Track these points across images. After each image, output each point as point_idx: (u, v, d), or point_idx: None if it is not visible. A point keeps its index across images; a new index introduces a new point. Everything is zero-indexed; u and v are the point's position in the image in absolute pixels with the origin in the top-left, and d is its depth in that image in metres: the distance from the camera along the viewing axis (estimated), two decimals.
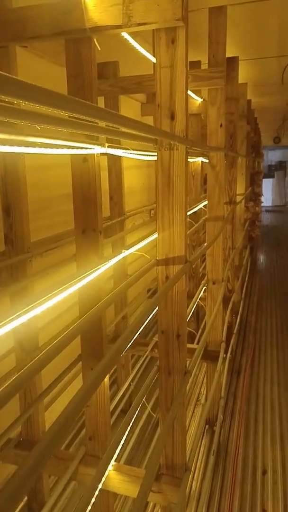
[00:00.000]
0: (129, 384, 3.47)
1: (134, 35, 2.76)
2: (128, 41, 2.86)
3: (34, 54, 2.38)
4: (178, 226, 1.64)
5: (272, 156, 16.69)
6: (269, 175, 15.92)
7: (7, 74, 0.56)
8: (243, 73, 4.30)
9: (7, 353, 2.07)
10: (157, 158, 1.60)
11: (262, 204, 10.88)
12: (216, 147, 2.62)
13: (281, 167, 16.90)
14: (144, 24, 1.43)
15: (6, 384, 0.75)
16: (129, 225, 3.61)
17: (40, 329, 2.04)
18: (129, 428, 1.70)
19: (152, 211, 4.44)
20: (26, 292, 1.80)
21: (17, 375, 0.80)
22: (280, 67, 4.62)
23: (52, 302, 1.34)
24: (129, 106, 3.57)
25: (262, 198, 10.31)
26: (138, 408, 1.93)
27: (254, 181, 7.26)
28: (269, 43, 4.00)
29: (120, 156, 2.97)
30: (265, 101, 7.02)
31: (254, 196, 7.62)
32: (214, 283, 3.01)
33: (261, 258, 9.16)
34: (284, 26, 3.56)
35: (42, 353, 0.84)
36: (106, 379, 1.94)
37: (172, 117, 1.53)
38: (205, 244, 2.94)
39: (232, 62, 3.39)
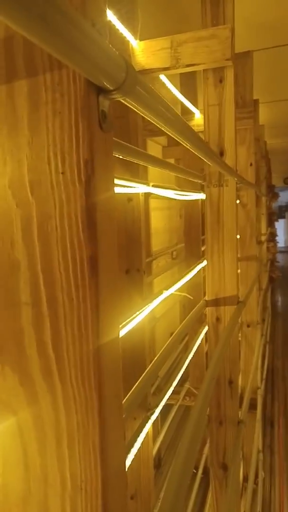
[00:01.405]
0: (159, 436, 3.27)
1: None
2: (153, 82, 2.94)
3: None
4: (229, 264, 1.58)
5: (282, 197, 16.81)
6: (280, 215, 15.97)
7: None
8: (260, 116, 4.39)
9: None
10: (206, 195, 1.57)
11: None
12: (253, 184, 2.61)
13: None
14: (193, 65, 1.44)
15: None
16: (153, 266, 3.56)
17: None
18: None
19: (174, 253, 4.40)
20: None
21: None
22: None
23: None
24: (152, 149, 3.63)
25: (277, 239, 10.28)
26: (193, 467, 1.78)
27: (270, 222, 7.26)
28: (286, 87, 4.10)
29: (148, 198, 2.97)
30: (277, 143, 7.15)
31: (270, 236, 7.59)
32: (248, 326, 2.90)
33: (281, 299, 8.98)
34: None
35: None
36: (150, 429, 1.81)
37: (222, 153, 1.51)
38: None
39: (254, 104, 3.46)
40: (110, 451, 0.40)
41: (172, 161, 4.16)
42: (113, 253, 0.37)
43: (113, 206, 0.38)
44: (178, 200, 3.73)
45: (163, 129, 0.56)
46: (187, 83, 2.72)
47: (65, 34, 0.24)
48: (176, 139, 0.66)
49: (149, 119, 0.49)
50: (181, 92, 2.74)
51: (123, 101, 0.39)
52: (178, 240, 4.72)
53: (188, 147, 0.78)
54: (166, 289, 2.07)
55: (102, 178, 0.34)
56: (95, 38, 0.27)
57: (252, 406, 2.84)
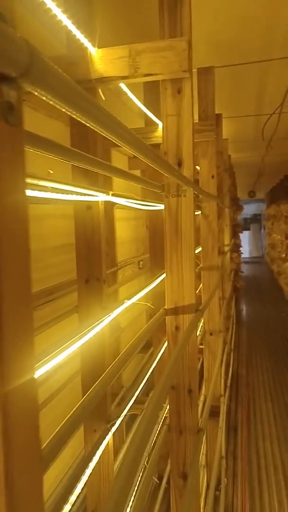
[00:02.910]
0: (123, 447, 3.22)
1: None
2: (117, 94, 2.96)
3: (30, 108, 2.40)
4: (187, 274, 1.58)
5: (247, 209, 17.22)
6: (245, 227, 16.37)
7: None
8: (224, 130, 4.50)
9: None
10: (165, 205, 1.58)
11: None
12: (213, 195, 2.65)
13: (256, 220, 17.46)
14: (151, 75, 1.45)
15: None
16: (119, 276, 3.54)
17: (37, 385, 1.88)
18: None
19: (141, 262, 4.40)
20: None
21: None
22: (258, 125, 4.87)
23: (53, 363, 1.24)
24: (118, 159, 3.63)
25: (241, 250, 10.49)
26: (151, 478, 1.76)
27: (235, 233, 7.41)
28: (248, 102, 4.23)
29: (113, 207, 2.97)
30: (242, 157, 7.34)
31: (235, 247, 7.74)
32: (211, 334, 2.92)
33: (245, 308, 9.15)
34: (262, 87, 3.79)
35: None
36: (111, 441, 1.78)
37: (179, 163, 1.52)
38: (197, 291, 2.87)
39: (217, 118, 3.54)
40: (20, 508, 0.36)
41: (137, 172, 4.18)
42: (24, 267, 0.34)
43: (25, 210, 0.34)
44: (145, 210, 3.74)
45: (92, 128, 0.55)
46: (151, 93, 2.74)
47: None
48: (113, 141, 0.65)
49: (74, 116, 0.47)
50: (145, 103, 2.77)
51: (37, 94, 0.37)
52: (144, 250, 4.73)
53: (127, 149, 0.77)
54: (128, 299, 2.06)
55: (8, 178, 0.32)
56: None
57: (215, 413, 2.86)
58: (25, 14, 1.96)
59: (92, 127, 0.58)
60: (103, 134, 0.63)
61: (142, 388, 3.03)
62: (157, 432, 2.41)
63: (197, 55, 2.92)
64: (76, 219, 1.63)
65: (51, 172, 1.23)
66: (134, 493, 1.68)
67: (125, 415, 2.52)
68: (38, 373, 1.19)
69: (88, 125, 0.55)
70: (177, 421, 1.66)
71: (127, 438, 3.25)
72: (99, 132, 0.61)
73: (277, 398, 4.73)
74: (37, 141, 0.69)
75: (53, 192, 1.22)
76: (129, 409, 3.08)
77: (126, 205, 2.11)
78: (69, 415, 1.00)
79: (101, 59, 1.48)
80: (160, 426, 2.44)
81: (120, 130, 0.67)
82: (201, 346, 3.15)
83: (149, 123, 2.81)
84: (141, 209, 4.19)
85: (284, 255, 9.98)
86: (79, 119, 0.50)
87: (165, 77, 1.45)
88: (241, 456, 3.55)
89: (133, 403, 3.09)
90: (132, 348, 1.47)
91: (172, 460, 1.69)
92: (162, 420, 2.44)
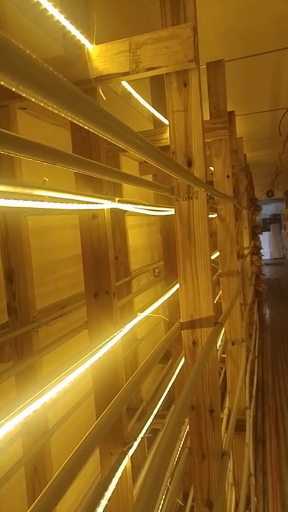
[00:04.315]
0: (145, 464, 3.07)
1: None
2: (125, 98, 2.85)
3: (32, 116, 2.32)
4: (203, 282, 1.45)
5: (266, 210, 16.87)
6: (264, 228, 16.03)
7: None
8: (238, 128, 4.35)
9: (13, 438, 1.77)
10: (175, 209, 1.45)
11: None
12: (229, 196, 2.51)
13: (276, 220, 17.09)
14: (154, 69, 1.33)
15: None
16: (134, 285, 3.42)
17: (49, 406, 1.77)
18: None
19: (156, 270, 4.27)
20: (34, 371, 1.56)
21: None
22: (274, 121, 4.70)
23: (64, 384, 1.15)
24: (128, 165, 3.52)
25: (262, 251, 10.24)
26: (174, 501, 1.62)
27: (254, 235, 7.20)
28: (262, 97, 4.07)
29: (124, 215, 2.85)
30: (258, 156, 7.15)
31: (255, 249, 7.53)
32: (233, 343, 2.76)
33: (268, 312, 8.88)
34: (277, 79, 3.63)
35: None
36: (128, 465, 1.65)
37: (189, 163, 1.39)
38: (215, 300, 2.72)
39: (230, 116, 3.39)
40: None
41: (149, 177, 4.06)
42: None
43: None
44: (158, 216, 3.63)
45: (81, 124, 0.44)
46: (158, 92, 2.63)
47: None
48: (104, 137, 0.54)
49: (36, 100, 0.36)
50: (153, 103, 2.66)
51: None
52: (160, 257, 4.60)
53: (120, 145, 0.65)
54: (142, 310, 1.93)
55: None
56: None
57: (241, 427, 2.69)
58: (17, 12, 1.87)
59: (74, 120, 0.46)
60: (84, 125, 0.51)
61: (162, 401, 2.89)
62: (180, 450, 2.26)
63: (206, 49, 2.80)
64: (82, 230, 1.52)
65: (47, 180, 1.13)
66: None
67: (145, 431, 2.37)
68: (48, 395, 1.09)
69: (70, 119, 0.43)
70: (199, 444, 1.52)
71: (149, 454, 3.10)
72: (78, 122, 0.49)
73: None
74: (33, 148, 0.59)
75: (51, 202, 1.11)
76: (150, 424, 2.94)
77: (137, 211, 2.00)
78: (82, 439, 0.89)
79: (100, 56, 1.37)
80: (182, 444, 2.30)
81: (106, 120, 0.55)
82: (223, 355, 2.99)
83: (158, 124, 2.70)
84: (155, 215, 4.07)
85: None
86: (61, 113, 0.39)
87: (169, 69, 1.33)
88: (271, 471, 3.36)
89: (154, 418, 2.94)
90: (147, 365, 1.34)
91: (195, 486, 1.55)
92: (184, 438, 2.30)
